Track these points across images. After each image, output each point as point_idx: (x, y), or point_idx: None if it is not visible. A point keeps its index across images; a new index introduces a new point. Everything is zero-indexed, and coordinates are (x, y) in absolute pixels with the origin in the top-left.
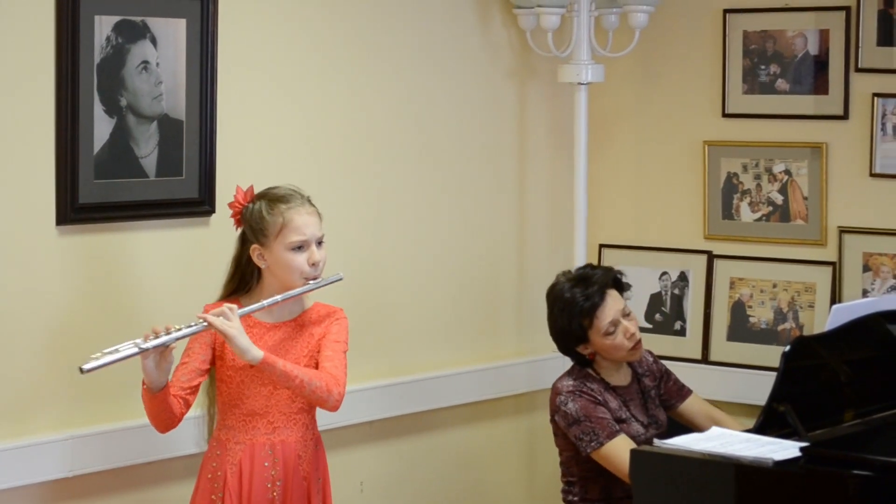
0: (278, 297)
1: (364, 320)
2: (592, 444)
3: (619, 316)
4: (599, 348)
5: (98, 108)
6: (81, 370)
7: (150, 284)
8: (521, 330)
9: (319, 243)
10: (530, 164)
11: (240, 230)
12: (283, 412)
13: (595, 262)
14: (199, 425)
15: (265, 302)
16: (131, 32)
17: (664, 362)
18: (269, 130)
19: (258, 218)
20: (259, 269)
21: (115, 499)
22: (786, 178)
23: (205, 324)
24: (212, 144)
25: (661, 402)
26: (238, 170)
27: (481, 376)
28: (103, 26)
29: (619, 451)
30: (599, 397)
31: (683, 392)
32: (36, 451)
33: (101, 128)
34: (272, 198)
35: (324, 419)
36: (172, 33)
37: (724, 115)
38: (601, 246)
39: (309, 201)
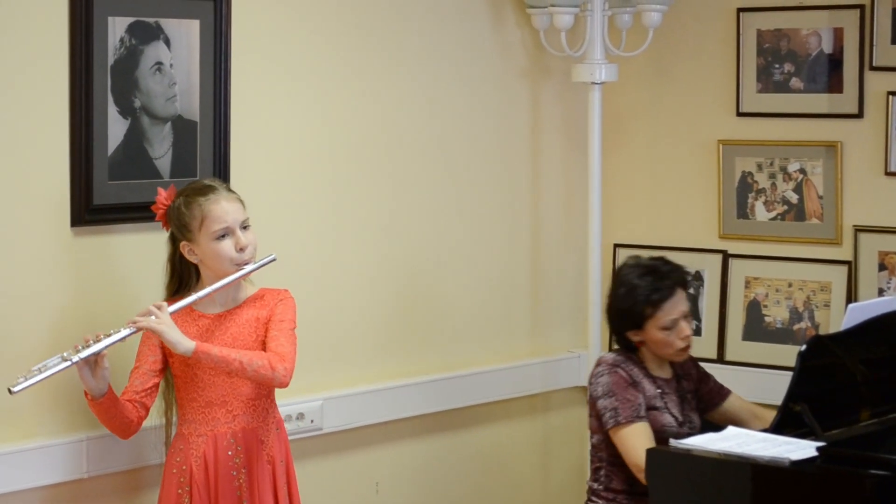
0: (208, 289)
1: (378, 320)
2: (612, 420)
3: (681, 316)
4: (651, 340)
5: (112, 110)
6: (10, 391)
7: (163, 286)
8: (536, 330)
9: (245, 227)
10: (544, 163)
11: (168, 231)
12: (241, 400)
13: (611, 264)
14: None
15: (195, 295)
16: (145, 34)
17: None
18: (282, 131)
19: (179, 215)
20: (196, 265)
21: (130, 500)
22: (801, 176)
23: (133, 327)
24: (226, 145)
25: (704, 404)
26: (252, 170)
27: (496, 376)
28: (117, 28)
29: (634, 436)
30: (637, 381)
31: (723, 391)
32: (52, 452)
33: (116, 129)
34: (189, 193)
35: (337, 420)
36: (186, 34)
37: (739, 113)
38: (616, 245)
39: (227, 189)
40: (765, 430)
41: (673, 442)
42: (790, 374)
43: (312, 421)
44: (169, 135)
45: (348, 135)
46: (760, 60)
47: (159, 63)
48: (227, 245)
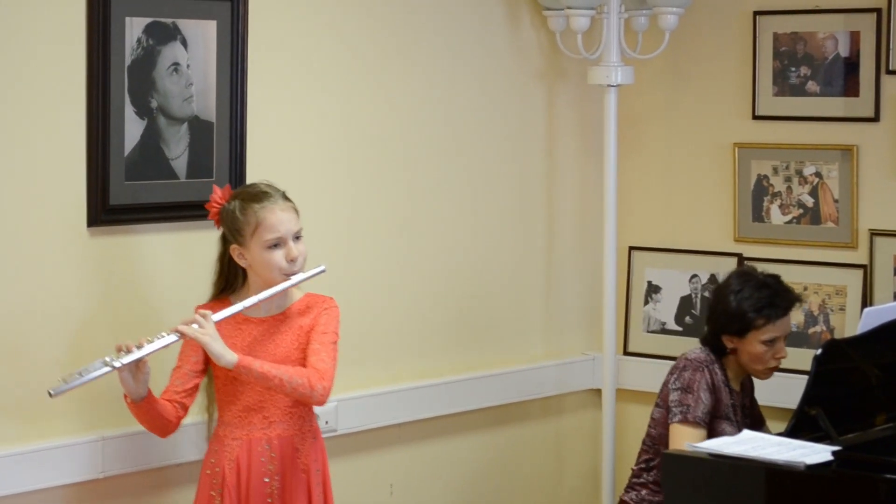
0: (254, 299)
1: (392, 321)
2: (679, 415)
3: (783, 336)
4: (746, 350)
5: (129, 110)
6: (50, 394)
7: (179, 286)
8: (550, 332)
9: (297, 238)
10: (559, 166)
11: (220, 230)
12: (279, 406)
13: (625, 267)
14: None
15: (241, 304)
16: (162, 34)
17: None
18: (298, 131)
19: (233, 219)
20: (244, 268)
21: (145, 500)
22: (816, 180)
23: (177, 336)
24: (242, 146)
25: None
26: (268, 171)
27: (509, 379)
28: (134, 28)
29: (690, 438)
30: (718, 386)
31: (761, 419)
32: (66, 452)
33: (132, 129)
34: (245, 197)
35: (352, 421)
36: (203, 35)
37: (755, 117)
38: (631, 248)
39: (284, 196)
40: (780, 434)
41: (688, 445)
42: (805, 377)
43: (327, 422)
44: (185, 135)
45: (363, 136)
46: (776, 63)
47: (176, 63)
48: (279, 255)
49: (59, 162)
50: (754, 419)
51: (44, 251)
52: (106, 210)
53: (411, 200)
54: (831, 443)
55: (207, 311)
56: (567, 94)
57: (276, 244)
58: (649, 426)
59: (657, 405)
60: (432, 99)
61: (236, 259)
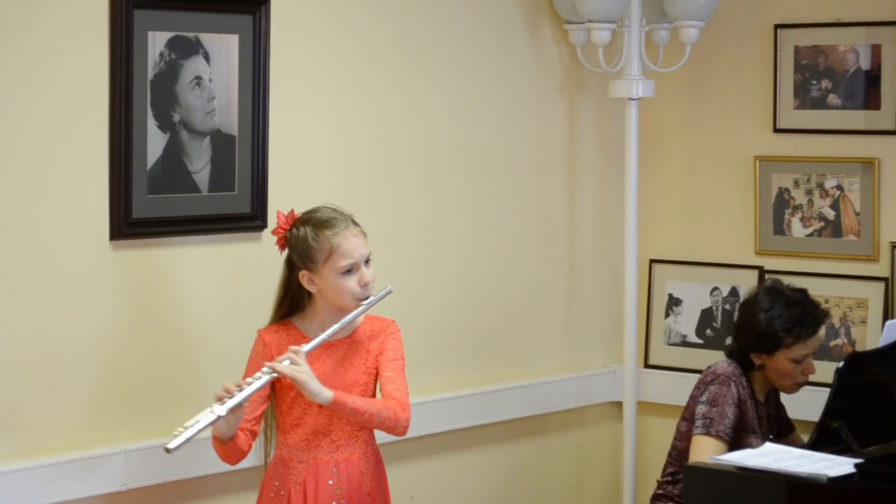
0: (336, 327)
1: (413, 333)
2: (702, 427)
3: (812, 353)
4: (775, 367)
5: (151, 124)
6: (167, 450)
7: (202, 299)
8: (571, 345)
9: (367, 262)
10: (580, 179)
11: (284, 254)
12: (346, 430)
13: (646, 280)
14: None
15: (325, 335)
16: (184, 48)
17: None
18: (320, 145)
19: (305, 245)
20: (309, 291)
21: None
22: (837, 193)
23: (272, 374)
24: (264, 159)
25: (776, 432)
26: (290, 185)
27: (530, 391)
28: (157, 42)
29: (711, 451)
30: (744, 399)
31: (790, 426)
32: (90, 464)
33: (155, 143)
34: (317, 223)
35: (375, 434)
36: (225, 49)
37: (776, 130)
38: (652, 261)
39: (353, 222)
40: (802, 447)
41: (709, 458)
42: (827, 390)
43: None
44: (207, 149)
45: (386, 149)
46: (798, 76)
47: (198, 77)
48: (352, 281)
49: (82, 175)
50: (782, 426)
51: (67, 264)
52: (128, 223)
53: (433, 213)
54: (853, 455)
55: (298, 348)
56: (588, 107)
57: (350, 270)
58: (675, 439)
59: (683, 418)
60: (454, 113)
61: (305, 285)
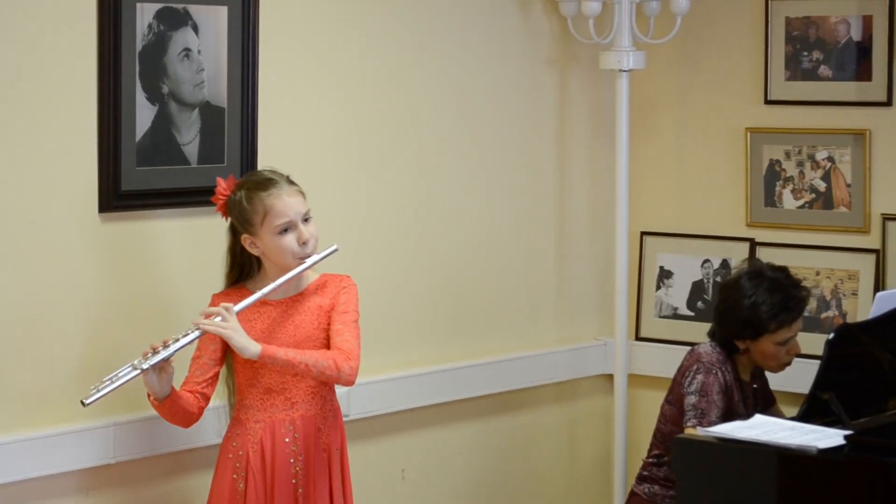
0: (271, 286)
1: (404, 307)
2: (694, 420)
3: (796, 334)
4: (760, 351)
5: (140, 96)
6: (83, 404)
7: (191, 272)
8: (562, 318)
9: (307, 220)
10: (571, 151)
11: (228, 221)
12: (301, 387)
13: (637, 252)
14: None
15: (259, 293)
16: (173, 20)
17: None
18: (309, 117)
19: (241, 209)
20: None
21: (158, 485)
22: (829, 165)
23: (200, 331)
24: (253, 132)
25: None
26: (280, 157)
27: (522, 364)
28: (145, 14)
29: None
30: (729, 384)
31: (772, 398)
32: (79, 437)
33: (144, 115)
34: (250, 186)
35: (364, 407)
36: (214, 20)
37: (767, 101)
38: (643, 234)
39: (289, 181)
40: (792, 419)
41: (700, 430)
42: (817, 362)
43: None
44: (197, 121)
45: (375, 121)
46: (789, 48)
47: (187, 49)
48: (290, 239)
49: (71, 148)
50: (766, 398)
51: (56, 237)
52: (117, 196)
53: (422, 186)
54: (843, 427)
55: (229, 304)
56: (579, 79)
57: (287, 229)
58: (659, 421)
59: (668, 401)
60: (443, 85)
61: (249, 248)
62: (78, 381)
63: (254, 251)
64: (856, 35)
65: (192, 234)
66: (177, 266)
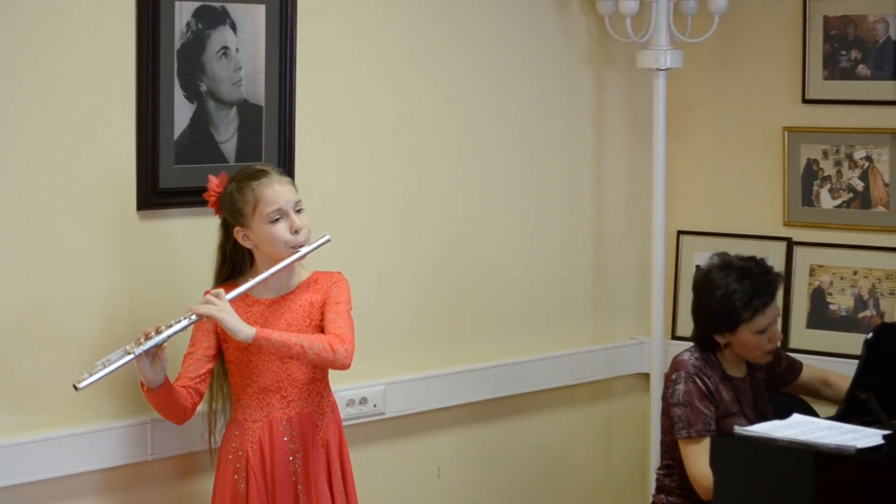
0: (263, 275)
1: (441, 305)
2: (683, 431)
3: (774, 320)
4: (741, 342)
5: (178, 94)
6: (76, 388)
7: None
8: (598, 316)
9: (298, 210)
10: (608, 150)
11: (221, 218)
12: (296, 385)
13: (674, 251)
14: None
15: (252, 281)
16: (211, 18)
17: None
18: (346, 115)
19: (231, 200)
20: (250, 251)
21: (194, 482)
22: (866, 164)
23: (194, 316)
24: (291, 129)
25: (778, 382)
26: (317, 155)
27: (558, 363)
28: (183, 12)
29: (701, 452)
30: (713, 387)
31: (797, 367)
32: (117, 434)
33: (182, 113)
34: (240, 178)
35: (400, 405)
36: (252, 19)
37: (805, 100)
38: (679, 232)
39: (279, 172)
40: (830, 418)
41: (738, 429)
42: (854, 362)
43: (375, 405)
44: (234, 119)
45: (412, 119)
46: (827, 47)
47: (225, 48)
48: (282, 228)
49: (109, 146)
50: (784, 374)
51: (94, 235)
52: (155, 193)
53: (461, 184)
54: (882, 427)
55: (220, 290)
56: (616, 78)
57: (278, 218)
58: (661, 432)
59: (663, 413)
60: (481, 84)
61: (241, 241)
62: (116, 378)
63: (246, 244)
64: (894, 34)
65: None
66: (213, 263)
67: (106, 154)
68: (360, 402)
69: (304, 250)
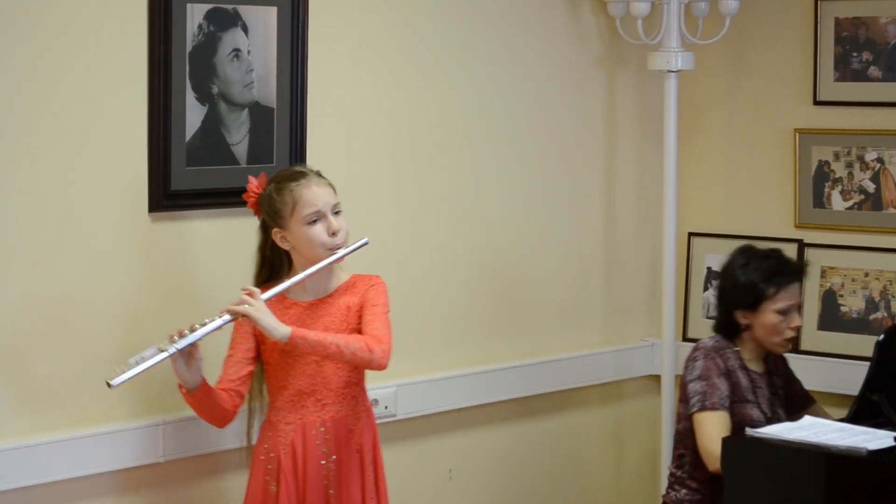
0: (300, 276)
1: (451, 307)
2: (697, 404)
3: (796, 304)
4: (761, 323)
5: (190, 96)
6: (109, 385)
7: (240, 270)
8: (609, 318)
9: (337, 212)
10: (619, 151)
11: (259, 220)
12: (331, 388)
13: (685, 253)
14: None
15: (289, 282)
16: (223, 20)
17: None
18: (358, 117)
19: (270, 202)
20: (288, 253)
21: (206, 484)
22: (878, 166)
23: (227, 315)
24: (302, 132)
25: (791, 404)
26: (328, 157)
27: (569, 364)
28: (195, 14)
29: (713, 424)
30: (731, 370)
31: (809, 399)
32: (129, 436)
33: (193, 115)
34: (279, 179)
35: (411, 407)
36: (263, 21)
37: (816, 102)
38: (690, 234)
39: (318, 174)
40: (841, 420)
41: (749, 431)
42: (866, 364)
43: (386, 407)
44: (246, 121)
45: (424, 121)
46: (838, 49)
47: (237, 50)
48: (319, 230)
49: (121, 148)
50: (796, 398)
51: (105, 236)
52: (167, 195)
53: (470, 186)
54: (893, 429)
55: (255, 289)
56: (627, 79)
57: (316, 219)
58: (677, 422)
59: (680, 400)
60: (492, 85)
61: (279, 243)
62: (132, 381)
63: (284, 245)
64: None
65: (241, 234)
66: (226, 266)
67: (118, 156)
68: (372, 404)
69: (340, 252)
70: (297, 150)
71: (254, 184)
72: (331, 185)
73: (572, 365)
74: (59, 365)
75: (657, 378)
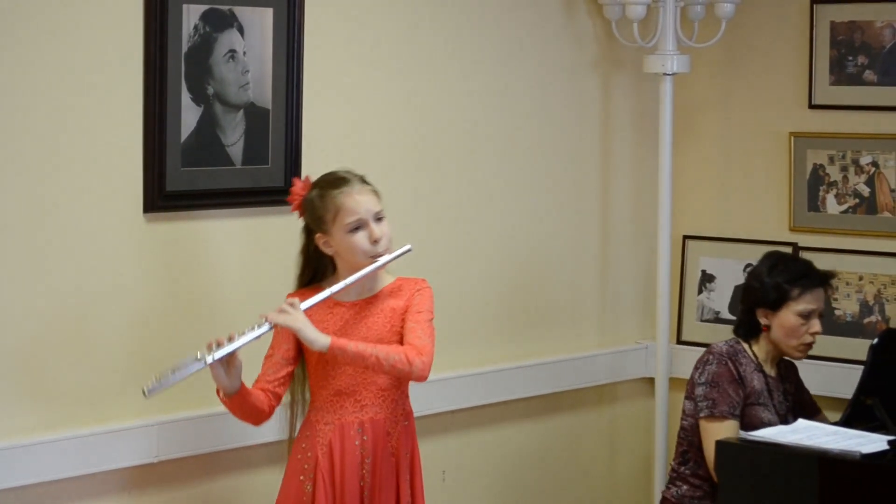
0: (341, 284)
1: (445, 310)
2: (706, 410)
3: (819, 310)
4: (781, 325)
5: (185, 97)
6: (144, 393)
7: (235, 272)
8: (604, 321)
9: (379, 219)
10: (614, 154)
11: (303, 222)
12: (371, 390)
13: (680, 256)
14: (281, 413)
15: (328, 291)
16: (219, 21)
17: None
18: (354, 119)
19: (313, 207)
20: (332, 256)
21: (200, 485)
22: (873, 169)
23: (267, 325)
24: (297, 133)
25: (795, 414)
26: (323, 158)
27: (563, 367)
28: (191, 15)
29: (722, 433)
30: (743, 373)
31: (815, 408)
32: (122, 436)
33: (189, 116)
34: (323, 185)
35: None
36: (259, 22)
37: (811, 106)
38: (685, 237)
39: (362, 180)
40: (835, 424)
41: (742, 434)
42: (860, 367)
43: None
44: (241, 122)
45: (419, 124)
46: (834, 52)
47: (232, 51)
48: (361, 237)
49: (116, 148)
50: (805, 406)
51: (101, 237)
52: (162, 196)
53: (465, 188)
54: (887, 432)
55: (294, 299)
56: (623, 82)
57: (358, 227)
58: (682, 418)
59: (687, 397)
60: (488, 86)
61: (322, 248)
62: (122, 381)
63: (327, 250)
64: None
65: (237, 235)
66: (222, 266)
67: (113, 157)
68: None
69: (382, 260)
70: (293, 152)
71: (298, 186)
72: (374, 192)
73: (567, 367)
74: (52, 365)
75: (651, 381)
